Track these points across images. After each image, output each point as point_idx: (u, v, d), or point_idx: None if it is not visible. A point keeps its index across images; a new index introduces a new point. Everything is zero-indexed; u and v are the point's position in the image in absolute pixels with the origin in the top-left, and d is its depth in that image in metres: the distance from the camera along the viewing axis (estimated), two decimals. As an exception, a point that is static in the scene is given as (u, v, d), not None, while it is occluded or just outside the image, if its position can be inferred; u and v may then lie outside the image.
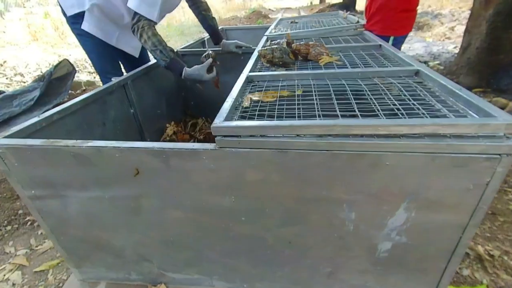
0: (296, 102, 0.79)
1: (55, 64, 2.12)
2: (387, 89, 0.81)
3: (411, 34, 5.76)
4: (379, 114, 0.65)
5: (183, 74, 1.27)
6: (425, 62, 3.66)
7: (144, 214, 0.78)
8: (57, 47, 6.01)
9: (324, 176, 0.63)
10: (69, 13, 1.27)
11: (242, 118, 0.71)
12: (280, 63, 1.06)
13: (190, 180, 0.69)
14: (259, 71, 0.98)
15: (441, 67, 3.65)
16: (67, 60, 1.85)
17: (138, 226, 0.81)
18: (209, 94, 1.61)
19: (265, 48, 1.10)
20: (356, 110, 0.68)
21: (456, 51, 3.94)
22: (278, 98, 0.80)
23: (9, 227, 1.38)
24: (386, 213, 0.66)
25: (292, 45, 1.12)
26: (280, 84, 0.93)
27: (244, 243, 0.79)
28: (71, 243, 0.89)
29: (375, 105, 0.71)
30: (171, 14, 1.68)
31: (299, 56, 1.12)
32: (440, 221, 0.64)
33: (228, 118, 0.67)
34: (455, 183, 0.57)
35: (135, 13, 1.15)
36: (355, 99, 0.77)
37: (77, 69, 4.25)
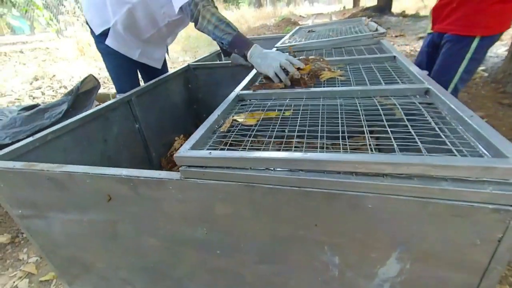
0: (278, 126, 0.72)
1: (82, 79, 2.26)
2: (386, 111, 0.70)
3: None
4: (369, 144, 0.56)
5: (249, 52, 1.05)
6: (466, 68, 3.29)
7: (121, 239, 0.76)
8: (100, 61, 6.55)
9: (298, 215, 0.55)
10: (97, 32, 1.33)
11: (216, 144, 0.66)
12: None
13: (160, 209, 0.66)
14: (250, 89, 0.93)
15: (485, 74, 3.27)
16: (93, 75, 1.97)
17: (118, 251, 0.79)
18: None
19: (263, 64, 1.04)
20: (341, 138, 0.59)
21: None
22: (259, 122, 0.74)
23: (25, 235, 1.47)
24: (375, 262, 0.56)
25: (292, 60, 1.05)
26: (270, 104, 0.86)
27: (222, 277, 0.73)
28: (61, 262, 0.90)
29: (367, 133, 0.62)
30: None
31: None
32: (443, 277, 0.52)
33: (198, 145, 0.62)
34: (455, 235, 0.46)
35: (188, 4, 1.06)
36: (346, 123, 0.68)
37: (106, 81, 4.57)
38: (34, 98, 4.02)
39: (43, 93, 4.24)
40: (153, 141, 1.42)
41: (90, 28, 1.38)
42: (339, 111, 0.74)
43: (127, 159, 1.26)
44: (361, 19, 2.39)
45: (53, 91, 4.52)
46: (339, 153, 0.50)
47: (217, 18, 1.05)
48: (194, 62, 1.85)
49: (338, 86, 0.92)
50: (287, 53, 1.13)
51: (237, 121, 0.77)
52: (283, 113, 0.80)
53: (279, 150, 0.62)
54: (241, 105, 0.89)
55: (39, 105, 2.37)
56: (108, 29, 1.32)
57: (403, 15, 8.76)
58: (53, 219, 0.78)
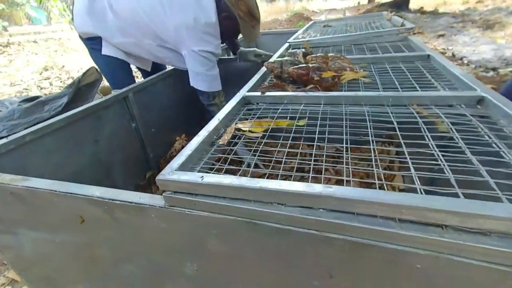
0: (290, 140, 0.59)
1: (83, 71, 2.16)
2: (429, 126, 0.56)
3: (477, 34, 5.02)
4: (412, 177, 0.42)
5: None
6: (494, 69, 3.06)
7: (100, 264, 0.64)
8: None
9: (315, 265, 0.42)
10: (83, 36, 1.27)
11: (212, 161, 0.53)
12: (291, 79, 0.86)
13: (142, 237, 0.53)
14: (258, 91, 0.79)
15: (515, 77, 3.03)
16: (95, 68, 1.87)
17: (96, 276, 0.68)
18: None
19: (274, 60, 0.90)
20: (374, 165, 0.45)
21: (535, 56, 3.27)
22: (268, 132, 0.60)
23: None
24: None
25: (307, 57, 0.90)
26: (281, 109, 0.72)
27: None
28: (36, 281, 0.79)
29: (406, 155, 0.48)
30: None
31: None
32: None
33: (190, 162, 0.49)
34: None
35: (207, 93, 1.24)
36: (377, 141, 0.54)
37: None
38: (42, 88, 3.98)
39: (51, 84, 4.19)
40: (151, 141, 1.31)
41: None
42: (367, 122, 0.60)
43: (122, 161, 1.15)
44: (382, 14, 2.21)
45: (61, 82, 4.47)
46: (377, 191, 0.36)
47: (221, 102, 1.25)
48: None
49: (363, 90, 0.77)
50: (296, 51, 0.99)
51: (241, 130, 0.64)
52: (297, 122, 0.66)
53: (291, 175, 0.48)
54: (247, 109, 0.76)
55: (40, 97, 2.29)
56: (97, 37, 1.24)
57: (421, 11, 8.41)
58: (23, 236, 0.67)
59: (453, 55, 3.87)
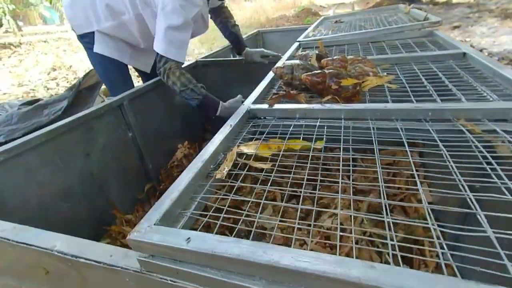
0: (309, 168, 0.46)
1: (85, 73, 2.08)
2: (486, 148, 0.43)
3: (495, 24, 4.74)
4: (479, 219, 0.30)
5: (218, 110, 1.13)
6: (515, 60, 2.84)
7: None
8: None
9: None
10: (78, 32, 1.16)
11: (203, 208, 0.42)
12: (303, 86, 0.73)
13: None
14: (266, 103, 0.67)
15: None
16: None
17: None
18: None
19: (283, 64, 0.78)
20: (428, 210, 0.32)
21: None
22: (279, 158, 0.48)
23: None
24: None
25: (322, 60, 0.77)
26: (294, 124, 0.60)
27: None
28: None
29: (465, 189, 0.35)
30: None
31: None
32: None
33: (173, 212, 0.38)
34: None
35: (161, 56, 1.05)
36: (422, 169, 0.41)
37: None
38: (48, 89, 3.95)
39: (57, 84, 4.16)
40: (150, 151, 1.20)
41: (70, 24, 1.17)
42: (406, 145, 0.47)
43: (117, 174, 1.05)
44: (398, 6, 2.04)
45: (67, 82, 4.45)
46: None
47: (181, 84, 1.08)
48: (203, 58, 1.60)
49: (391, 100, 0.64)
50: (308, 52, 0.86)
51: (245, 155, 0.52)
52: (314, 143, 0.54)
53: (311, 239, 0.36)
54: (253, 125, 0.64)
55: (40, 100, 2.23)
56: (91, 33, 1.13)
57: (433, 2, 8.08)
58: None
59: (472, 47, 3.65)
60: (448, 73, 0.75)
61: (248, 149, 0.53)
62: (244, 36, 2.28)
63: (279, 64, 0.96)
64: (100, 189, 0.97)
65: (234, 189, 0.45)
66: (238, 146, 0.54)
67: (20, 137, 0.80)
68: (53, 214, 0.81)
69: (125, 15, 1.09)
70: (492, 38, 3.88)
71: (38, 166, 0.79)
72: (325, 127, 0.59)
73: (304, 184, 0.42)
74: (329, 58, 0.76)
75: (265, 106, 0.65)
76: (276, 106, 0.65)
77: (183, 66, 1.49)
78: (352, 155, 0.49)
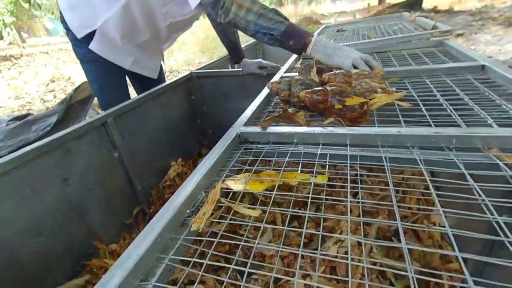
0: (308, 213, 0.37)
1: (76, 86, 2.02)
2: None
3: (499, 32, 4.67)
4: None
5: (313, 40, 0.80)
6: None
7: None
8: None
9: None
10: (79, 35, 1.03)
11: (175, 264, 0.33)
12: (302, 103, 0.65)
13: None
14: (259, 126, 0.58)
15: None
16: (88, 82, 1.70)
17: None
18: (232, 117, 1.26)
19: (279, 79, 0.70)
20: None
21: None
22: (272, 199, 0.39)
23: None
24: None
25: (324, 74, 0.69)
26: (291, 151, 0.52)
27: None
28: None
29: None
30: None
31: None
32: None
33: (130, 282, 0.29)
34: None
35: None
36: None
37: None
38: (45, 101, 3.91)
39: (55, 96, 4.13)
40: (139, 171, 1.12)
41: (66, 28, 1.08)
42: (429, 182, 0.38)
43: (100, 200, 0.96)
44: (402, 15, 1.98)
45: (65, 94, 4.42)
46: None
47: (260, 5, 0.79)
48: (198, 69, 1.53)
49: (404, 122, 0.55)
50: (307, 64, 0.77)
51: (230, 189, 0.43)
52: (314, 176, 0.45)
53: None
54: (244, 151, 0.55)
55: (29, 114, 2.16)
56: (93, 32, 1.02)
57: (435, 10, 8.07)
58: None
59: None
60: (467, 89, 0.66)
61: (236, 184, 0.45)
62: (243, 46, 2.22)
63: (276, 78, 0.88)
64: (80, 218, 0.88)
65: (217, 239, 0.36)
66: (223, 181, 0.45)
67: (6, 155, 0.72)
68: (22, 253, 0.72)
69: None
70: (498, 46, 3.81)
71: (2, 199, 0.70)
72: (328, 156, 0.50)
73: (304, 224, 0.33)
74: (331, 73, 0.68)
75: (257, 129, 0.56)
76: (271, 129, 0.56)
77: (179, 77, 1.43)
78: (363, 198, 0.40)
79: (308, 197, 0.41)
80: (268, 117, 0.59)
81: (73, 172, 0.87)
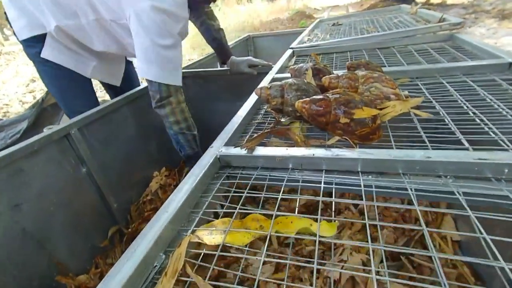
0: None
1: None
2: None
3: (494, 25, 4.61)
4: None
5: None
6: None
7: None
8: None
9: None
10: (21, 37, 0.89)
11: None
12: (298, 114, 0.52)
13: None
14: (242, 147, 0.45)
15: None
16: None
17: None
18: (222, 120, 1.13)
19: (270, 84, 0.57)
20: None
21: None
22: (264, 252, 0.27)
23: None
24: None
25: (323, 78, 0.57)
26: (286, 180, 0.39)
27: None
28: None
29: None
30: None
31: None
32: None
33: None
34: None
35: (160, 85, 0.83)
36: None
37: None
38: (24, 103, 3.69)
39: (34, 97, 3.90)
40: (114, 187, 0.99)
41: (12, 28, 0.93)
42: (481, 237, 0.27)
43: (65, 224, 0.82)
44: (401, 7, 1.86)
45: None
46: None
47: (187, 127, 0.93)
48: (183, 68, 1.39)
49: (426, 141, 0.43)
50: (302, 65, 0.65)
51: (203, 242, 0.31)
52: (319, 222, 0.33)
53: None
54: (225, 181, 0.43)
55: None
56: (42, 35, 0.88)
57: (428, 3, 8.02)
58: None
59: None
60: (495, 93, 0.55)
61: (211, 236, 0.32)
62: (233, 42, 2.08)
63: (266, 81, 0.76)
64: (39, 248, 0.75)
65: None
66: (194, 232, 0.33)
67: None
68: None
69: (82, 18, 0.85)
70: (493, 40, 3.73)
71: None
72: (334, 185, 0.38)
73: None
74: (333, 75, 0.55)
75: (241, 152, 0.44)
76: (259, 150, 0.44)
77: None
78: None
79: (311, 259, 0.29)
80: (254, 136, 0.47)
81: (26, 195, 0.73)
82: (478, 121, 0.47)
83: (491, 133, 0.43)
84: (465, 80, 0.63)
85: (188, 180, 0.39)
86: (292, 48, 1.14)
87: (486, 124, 0.45)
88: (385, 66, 0.79)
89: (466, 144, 0.40)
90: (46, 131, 0.78)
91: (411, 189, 0.35)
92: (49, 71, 0.93)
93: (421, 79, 0.68)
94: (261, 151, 0.44)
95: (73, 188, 0.85)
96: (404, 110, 0.50)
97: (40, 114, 1.76)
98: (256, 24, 8.84)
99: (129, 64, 1.22)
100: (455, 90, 0.58)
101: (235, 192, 0.40)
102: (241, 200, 0.38)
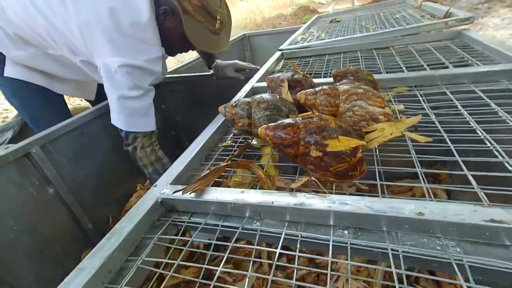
0: None
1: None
2: None
3: (508, 15, 4.37)
4: None
5: None
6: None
7: None
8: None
9: None
10: None
11: None
12: (268, 139, 0.43)
13: None
14: (185, 191, 0.36)
15: None
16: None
17: None
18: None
19: (235, 102, 0.48)
20: None
21: None
22: None
23: None
24: None
25: (299, 94, 0.47)
26: (239, 232, 0.30)
27: None
28: None
29: None
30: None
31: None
32: None
33: None
34: None
35: (127, 132, 0.78)
36: None
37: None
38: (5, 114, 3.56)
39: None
40: (87, 206, 0.91)
41: None
42: None
43: (29, 251, 0.75)
44: (405, 0, 1.73)
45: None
46: None
47: (154, 170, 0.82)
48: (169, 72, 1.31)
49: (422, 179, 0.34)
50: (279, 75, 0.56)
51: None
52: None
53: None
54: (168, 229, 0.35)
55: None
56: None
57: (437, -6, 7.72)
58: None
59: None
60: (512, 109, 0.44)
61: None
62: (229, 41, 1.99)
63: (242, 93, 0.67)
64: (4, 272, 0.68)
65: None
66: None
67: None
68: None
69: (47, 49, 0.79)
70: (508, 30, 3.53)
71: None
72: (299, 237, 0.29)
73: None
74: (309, 91, 0.46)
75: (184, 196, 0.35)
76: (210, 192, 0.35)
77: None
78: None
79: None
80: (206, 173, 0.38)
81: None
82: (488, 144, 0.37)
83: (506, 165, 0.33)
84: (473, 90, 0.52)
85: (112, 238, 0.31)
86: (281, 49, 1.04)
87: (498, 151, 0.35)
88: (380, 73, 0.69)
89: (477, 188, 0.30)
90: (1, 151, 0.71)
91: (396, 256, 0.26)
92: (10, 85, 0.85)
93: (422, 88, 0.58)
94: (211, 194, 0.35)
95: (38, 211, 0.78)
96: (396, 134, 0.40)
97: (26, 123, 1.71)
98: (259, 20, 8.69)
99: None
100: (462, 104, 0.48)
101: (176, 247, 0.32)
102: (180, 256, 0.29)
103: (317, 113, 0.39)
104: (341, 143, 0.34)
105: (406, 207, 0.27)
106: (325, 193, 0.32)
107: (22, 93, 0.88)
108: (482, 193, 0.29)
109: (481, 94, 0.49)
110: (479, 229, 0.25)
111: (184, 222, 0.35)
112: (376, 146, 0.40)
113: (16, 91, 0.88)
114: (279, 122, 0.38)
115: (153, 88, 0.80)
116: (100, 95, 1.07)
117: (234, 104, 0.48)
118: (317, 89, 0.45)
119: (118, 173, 1.05)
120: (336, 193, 0.33)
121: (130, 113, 0.75)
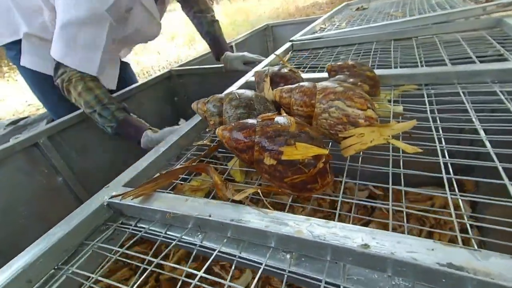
0: None
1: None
2: None
3: None
4: None
5: (142, 143, 0.76)
6: None
7: None
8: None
9: None
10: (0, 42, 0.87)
11: None
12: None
13: None
14: (126, 195, 0.34)
15: None
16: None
17: None
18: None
19: (208, 99, 0.45)
20: None
21: None
22: None
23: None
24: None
25: (275, 90, 0.42)
26: (182, 245, 0.28)
27: None
28: None
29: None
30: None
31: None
32: None
33: None
34: None
35: (58, 63, 0.74)
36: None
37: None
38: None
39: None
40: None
41: None
42: None
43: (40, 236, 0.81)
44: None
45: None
46: None
47: (86, 103, 0.75)
48: (178, 66, 1.31)
49: (404, 222, 0.28)
50: (266, 69, 0.51)
51: None
52: None
53: None
54: (112, 235, 0.33)
55: (20, 119, 2.10)
56: (18, 41, 0.85)
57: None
58: None
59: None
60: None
61: None
62: (248, 32, 1.93)
63: (234, 87, 0.63)
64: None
65: None
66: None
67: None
68: None
69: (43, 14, 0.80)
70: None
71: None
72: (236, 258, 0.26)
73: None
74: (285, 88, 0.41)
75: (131, 202, 0.33)
76: (157, 198, 0.32)
77: (155, 76, 1.23)
78: None
79: None
80: (157, 175, 0.35)
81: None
82: (500, 169, 0.29)
83: None
84: (494, 91, 0.43)
85: (41, 242, 0.30)
86: (292, 41, 0.98)
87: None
88: (390, 68, 0.61)
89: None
90: (12, 141, 0.76)
91: (331, 285, 0.22)
92: (30, 74, 0.91)
93: (433, 86, 0.50)
94: (158, 200, 0.32)
95: (47, 198, 0.83)
96: (378, 142, 0.34)
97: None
98: (292, 10, 8.42)
99: (126, 66, 1.17)
100: (476, 109, 0.40)
101: (119, 261, 0.30)
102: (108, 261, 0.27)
103: (284, 114, 0.34)
104: (298, 151, 0.29)
105: (353, 236, 0.22)
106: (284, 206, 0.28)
107: (41, 84, 0.93)
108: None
109: (502, 97, 0.40)
110: (432, 273, 0.19)
111: (129, 228, 0.33)
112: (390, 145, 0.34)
113: (36, 82, 0.93)
114: (240, 122, 0.34)
115: (107, 19, 0.70)
116: (122, 84, 1.09)
117: (206, 100, 0.44)
118: (293, 86, 0.40)
119: (126, 163, 1.09)
120: (308, 209, 0.28)
121: (67, 43, 0.70)
